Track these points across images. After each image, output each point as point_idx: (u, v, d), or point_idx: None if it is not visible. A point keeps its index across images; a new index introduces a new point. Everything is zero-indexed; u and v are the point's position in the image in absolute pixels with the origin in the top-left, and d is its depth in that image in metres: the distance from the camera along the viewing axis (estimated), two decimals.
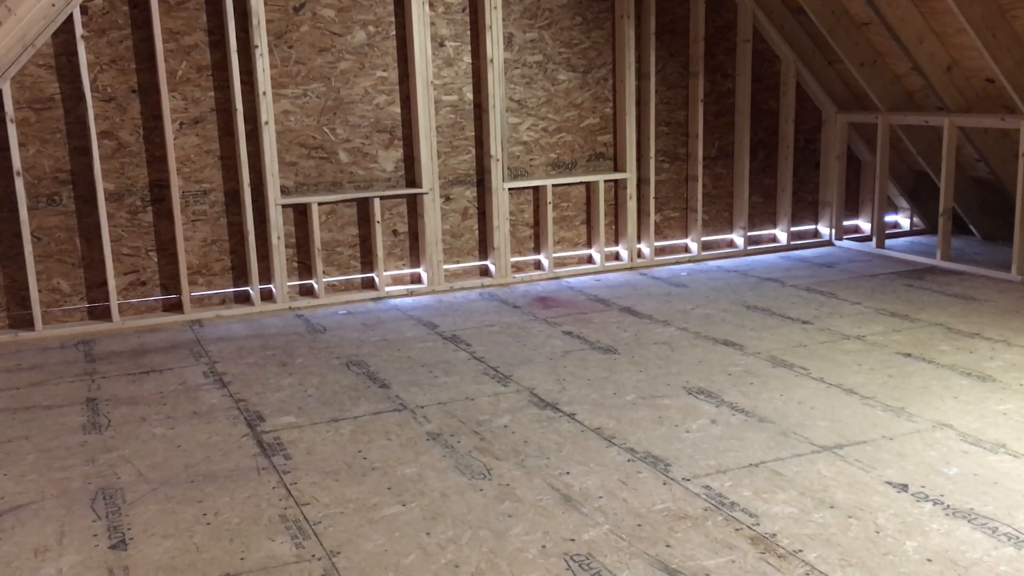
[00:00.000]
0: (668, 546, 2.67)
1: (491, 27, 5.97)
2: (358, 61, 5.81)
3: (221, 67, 5.50)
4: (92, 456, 3.50)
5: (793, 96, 6.85)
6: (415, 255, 6.13)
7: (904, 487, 2.99)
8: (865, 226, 7.40)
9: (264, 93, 5.51)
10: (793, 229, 7.13)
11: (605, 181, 6.52)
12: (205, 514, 2.98)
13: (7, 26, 4.41)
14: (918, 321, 4.95)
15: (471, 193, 6.21)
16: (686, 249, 6.88)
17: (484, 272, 6.33)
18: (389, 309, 5.69)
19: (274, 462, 3.38)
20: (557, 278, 6.39)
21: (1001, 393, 3.82)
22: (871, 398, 3.81)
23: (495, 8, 5.96)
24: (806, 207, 7.23)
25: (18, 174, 5.10)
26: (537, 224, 6.43)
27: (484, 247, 6.31)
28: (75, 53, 5.14)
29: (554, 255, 6.48)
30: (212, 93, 5.51)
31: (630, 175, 6.52)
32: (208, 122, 5.53)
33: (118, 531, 2.88)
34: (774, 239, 7.16)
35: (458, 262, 6.26)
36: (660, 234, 6.79)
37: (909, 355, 4.36)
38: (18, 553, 2.77)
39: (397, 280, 6.11)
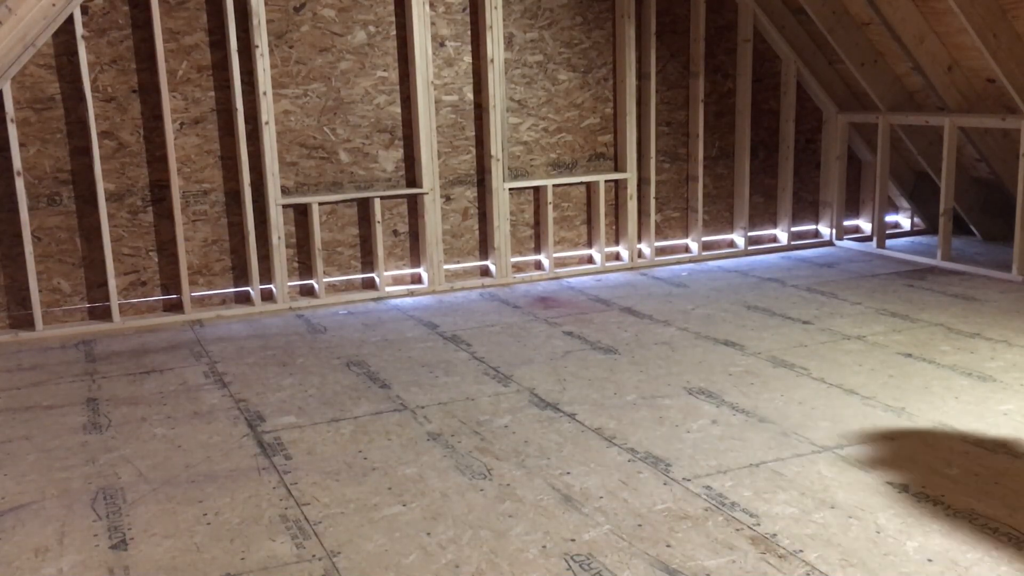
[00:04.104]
0: (669, 546, 2.67)
1: (491, 27, 5.97)
2: (358, 61, 5.81)
3: (221, 67, 5.50)
4: (92, 456, 3.50)
5: (794, 96, 6.85)
6: (415, 255, 6.13)
7: (905, 487, 2.99)
8: (866, 226, 7.39)
9: (264, 93, 5.51)
10: (794, 229, 7.12)
11: (605, 181, 6.51)
12: (206, 514, 2.98)
13: (7, 26, 4.41)
14: (919, 321, 4.94)
15: (471, 193, 6.21)
16: (687, 249, 6.88)
17: (484, 272, 6.33)
18: (389, 309, 5.69)
19: (275, 462, 3.38)
20: (557, 278, 6.39)
21: (1002, 393, 3.82)
22: (872, 398, 3.81)
23: (495, 8, 5.96)
24: (807, 207, 7.23)
25: (18, 174, 5.10)
26: (537, 224, 6.43)
27: (484, 247, 6.31)
28: (75, 53, 5.14)
29: (554, 255, 6.48)
30: (212, 93, 5.51)
31: (630, 175, 6.52)
32: (208, 122, 5.53)
33: (119, 531, 2.88)
34: (775, 239, 7.15)
35: (458, 262, 6.26)
36: (660, 234, 6.79)
37: (910, 355, 4.36)
38: (18, 553, 2.77)
39: (397, 280, 6.11)
